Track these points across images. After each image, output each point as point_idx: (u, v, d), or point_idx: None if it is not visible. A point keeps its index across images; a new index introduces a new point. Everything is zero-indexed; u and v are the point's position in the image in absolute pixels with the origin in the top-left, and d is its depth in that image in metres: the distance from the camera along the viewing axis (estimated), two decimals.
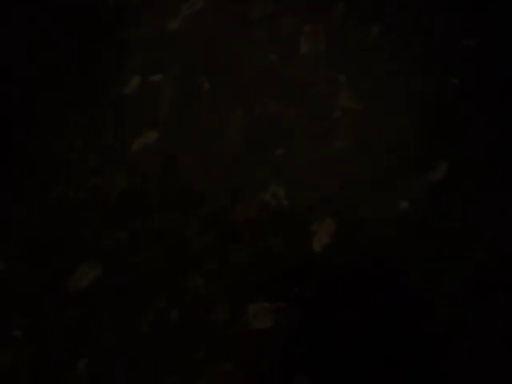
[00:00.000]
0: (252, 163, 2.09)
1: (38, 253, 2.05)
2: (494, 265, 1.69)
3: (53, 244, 2.05)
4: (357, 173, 1.99)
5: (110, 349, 1.80)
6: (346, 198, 1.95)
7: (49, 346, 1.84)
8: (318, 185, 1.99)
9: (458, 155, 1.94)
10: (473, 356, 1.56)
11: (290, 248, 1.87)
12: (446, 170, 1.92)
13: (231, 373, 1.68)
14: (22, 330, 1.89)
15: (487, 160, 1.91)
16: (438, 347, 1.60)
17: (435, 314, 1.65)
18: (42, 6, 2.61)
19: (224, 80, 2.32)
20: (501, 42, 2.16)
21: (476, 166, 1.91)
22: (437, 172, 1.93)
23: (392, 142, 2.03)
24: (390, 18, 2.30)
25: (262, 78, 2.29)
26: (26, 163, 2.28)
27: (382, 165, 1.99)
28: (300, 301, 1.76)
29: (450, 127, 2.01)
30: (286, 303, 1.77)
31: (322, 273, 1.80)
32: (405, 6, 2.31)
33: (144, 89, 2.35)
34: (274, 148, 2.10)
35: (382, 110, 2.11)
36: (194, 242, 1.95)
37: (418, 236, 1.81)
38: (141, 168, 2.17)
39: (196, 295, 1.84)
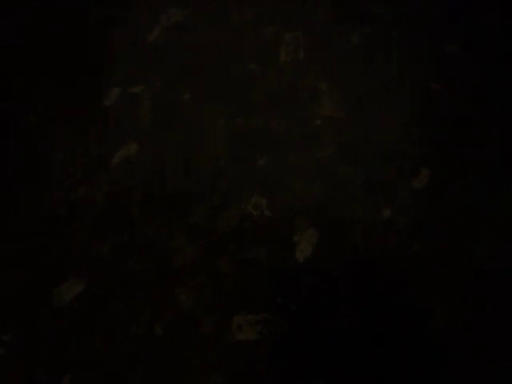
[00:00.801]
0: (235, 174, 2.08)
1: (20, 267, 2.03)
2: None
3: (36, 259, 2.03)
4: (339, 182, 1.98)
5: (93, 364, 1.78)
6: (329, 207, 1.94)
7: (32, 362, 1.82)
8: (301, 195, 1.99)
9: (440, 161, 1.94)
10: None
11: (273, 259, 1.86)
12: (428, 176, 1.92)
13: None
14: (4, 347, 1.87)
15: (470, 166, 1.91)
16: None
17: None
18: (28, 19, 2.59)
19: (205, 90, 2.31)
20: (483, 48, 2.16)
21: (459, 171, 1.90)
22: (420, 179, 1.92)
23: (374, 151, 2.03)
24: (371, 26, 2.30)
25: (242, 88, 2.28)
26: (7, 176, 2.26)
27: (364, 173, 1.98)
28: (284, 312, 1.76)
29: (432, 134, 2.01)
30: (270, 314, 1.76)
31: (306, 283, 1.79)
32: (385, 13, 2.31)
33: (124, 100, 2.34)
34: (257, 158, 2.09)
35: (364, 117, 2.10)
36: (177, 254, 1.94)
37: (402, 243, 1.80)
38: (123, 180, 2.15)
39: (180, 308, 1.83)
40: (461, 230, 1.78)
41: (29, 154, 2.28)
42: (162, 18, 2.48)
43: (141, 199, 2.09)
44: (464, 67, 2.13)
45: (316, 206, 1.95)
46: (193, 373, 1.71)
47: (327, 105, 2.17)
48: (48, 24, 2.54)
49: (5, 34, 2.54)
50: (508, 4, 2.22)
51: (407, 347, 1.62)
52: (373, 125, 2.07)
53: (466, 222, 1.80)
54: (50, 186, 2.18)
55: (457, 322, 1.61)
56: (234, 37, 2.40)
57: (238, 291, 1.82)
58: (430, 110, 2.06)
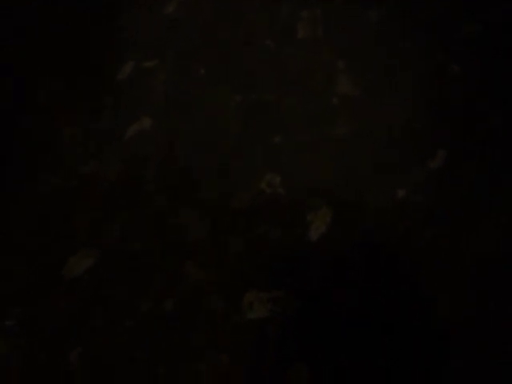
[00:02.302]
0: (248, 151, 2.06)
1: (31, 242, 2.02)
2: (495, 254, 1.68)
3: (46, 232, 2.03)
4: (354, 161, 1.97)
5: (103, 339, 1.78)
6: (343, 186, 1.92)
7: (42, 336, 1.81)
8: (315, 173, 1.97)
9: (457, 143, 1.92)
10: (475, 354, 1.55)
11: (286, 237, 1.85)
12: (444, 157, 1.90)
13: (228, 363, 1.66)
14: (14, 319, 1.87)
15: (487, 148, 1.89)
16: (439, 336, 1.59)
17: (436, 303, 1.63)
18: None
19: (220, 66, 2.29)
20: (503, 28, 2.13)
21: (476, 153, 1.88)
22: (436, 160, 1.90)
23: (391, 130, 2.01)
24: (391, 3, 2.27)
25: (259, 64, 2.26)
26: (19, 150, 2.26)
27: (380, 153, 1.96)
28: (296, 290, 1.74)
29: (450, 115, 1.99)
30: (281, 292, 1.75)
31: (319, 262, 1.78)
32: None
33: (138, 75, 2.32)
34: (271, 135, 2.08)
35: (381, 96, 2.08)
36: (189, 230, 1.93)
37: (416, 224, 1.79)
38: (136, 155, 2.14)
39: (191, 284, 1.82)
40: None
41: (41, 129, 2.28)
42: None
43: (153, 174, 2.08)
44: (484, 49, 2.10)
45: (330, 184, 1.93)
46: (202, 349, 1.70)
47: (344, 83, 2.14)
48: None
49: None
50: None
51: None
52: (389, 104, 2.05)
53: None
54: (62, 159, 2.18)
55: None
56: (251, 12, 2.38)
57: (250, 268, 1.81)
58: (448, 92, 2.03)
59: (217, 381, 1.63)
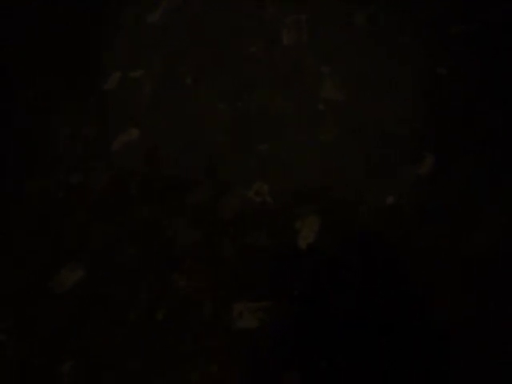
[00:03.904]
0: (236, 159, 2.06)
1: (20, 253, 2.02)
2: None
3: (35, 244, 2.02)
4: (342, 166, 1.96)
5: (94, 350, 1.77)
6: (332, 193, 1.92)
7: (32, 349, 1.81)
8: (303, 180, 1.96)
9: (445, 147, 1.91)
10: (475, 354, 1.55)
11: (275, 245, 1.85)
12: (433, 162, 1.89)
13: (218, 372, 1.66)
14: (5, 333, 1.87)
15: (485, 148, 1.88)
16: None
17: (435, 304, 1.63)
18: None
19: (207, 74, 2.29)
20: (491, 29, 2.12)
21: (473, 153, 1.87)
22: (424, 165, 1.90)
23: (377, 136, 2.00)
24: (376, 6, 2.26)
25: (244, 72, 2.25)
26: (7, 157, 2.25)
27: (367, 159, 1.96)
28: (286, 299, 1.74)
29: (437, 119, 1.98)
30: (271, 302, 1.74)
31: (308, 270, 1.78)
32: None
33: (124, 85, 2.31)
34: (259, 143, 2.07)
35: (367, 101, 2.08)
36: (177, 239, 1.93)
37: (405, 231, 1.78)
38: (123, 166, 2.13)
39: (180, 294, 1.82)
40: (462, 223, 1.76)
41: (27, 140, 2.27)
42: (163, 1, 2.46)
43: (140, 184, 2.08)
44: (471, 51, 2.09)
45: (319, 191, 1.93)
46: (192, 359, 1.69)
47: (330, 88, 2.14)
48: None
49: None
50: None
51: (413, 340, 1.60)
52: (376, 109, 2.05)
53: (467, 213, 1.77)
54: (48, 170, 2.17)
55: (459, 318, 1.59)
56: (236, 19, 2.37)
57: (239, 278, 1.81)
58: (435, 95, 2.02)
59: None
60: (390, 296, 1.67)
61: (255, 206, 1.95)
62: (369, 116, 2.04)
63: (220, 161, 2.07)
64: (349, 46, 2.21)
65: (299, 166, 2.00)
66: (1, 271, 1.99)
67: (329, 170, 1.97)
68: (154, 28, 2.44)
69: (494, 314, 1.58)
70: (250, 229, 1.90)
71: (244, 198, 1.97)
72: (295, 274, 1.78)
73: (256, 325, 1.72)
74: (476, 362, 1.53)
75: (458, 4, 2.19)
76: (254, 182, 2.00)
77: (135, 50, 2.41)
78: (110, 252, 1.95)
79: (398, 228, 1.79)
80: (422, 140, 1.94)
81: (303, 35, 2.27)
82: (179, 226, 1.95)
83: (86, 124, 2.27)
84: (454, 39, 2.13)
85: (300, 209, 1.91)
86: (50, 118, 2.30)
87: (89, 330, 1.81)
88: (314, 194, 1.93)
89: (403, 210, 1.81)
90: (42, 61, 2.40)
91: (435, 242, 1.73)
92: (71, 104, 2.33)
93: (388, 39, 2.18)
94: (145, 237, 1.95)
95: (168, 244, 1.92)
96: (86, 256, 1.95)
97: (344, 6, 2.29)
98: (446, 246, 1.72)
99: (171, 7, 2.44)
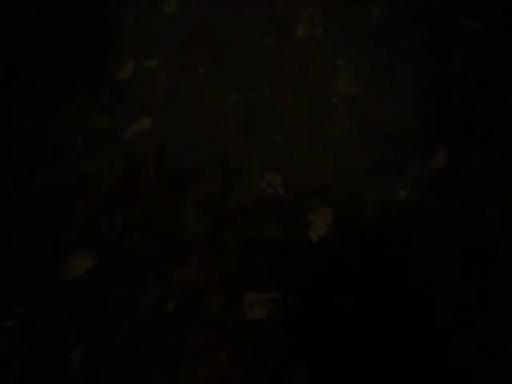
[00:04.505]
0: (248, 150, 2.05)
1: (30, 241, 2.02)
2: (495, 254, 1.66)
3: (45, 232, 2.03)
4: (355, 160, 1.95)
5: (104, 338, 1.77)
6: (344, 186, 1.91)
7: (43, 336, 1.81)
8: (316, 173, 1.96)
9: (457, 141, 1.90)
10: (475, 354, 1.54)
11: (287, 237, 1.84)
12: (445, 156, 1.88)
13: (227, 363, 1.66)
14: (15, 319, 1.87)
15: (487, 146, 1.87)
16: (439, 336, 1.58)
17: (436, 301, 1.62)
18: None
19: (220, 65, 2.28)
20: (504, 25, 2.11)
21: (476, 152, 1.86)
22: (437, 159, 1.88)
23: (391, 129, 1.99)
24: (390, 0, 2.25)
25: (258, 63, 2.24)
26: (18, 147, 2.25)
27: (380, 152, 1.95)
28: (296, 291, 1.73)
29: (450, 113, 1.96)
30: (281, 293, 1.74)
31: (319, 263, 1.77)
32: None
33: (138, 74, 2.31)
34: (271, 134, 2.06)
35: (381, 95, 2.06)
36: (188, 229, 1.92)
37: (417, 224, 1.77)
38: (135, 155, 2.13)
39: (190, 284, 1.81)
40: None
41: (41, 128, 2.27)
42: None
43: (152, 173, 2.07)
44: (484, 45, 2.07)
45: (331, 184, 1.92)
46: (202, 350, 1.69)
47: (344, 81, 2.13)
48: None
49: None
50: None
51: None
52: (389, 103, 2.03)
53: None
54: (60, 159, 2.17)
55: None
56: (250, 10, 2.36)
57: (249, 269, 1.80)
58: (448, 89, 2.01)
59: (216, 381, 1.63)
60: (393, 294, 1.67)
61: (267, 198, 1.94)
62: (382, 111, 2.03)
63: (232, 152, 2.07)
64: (363, 40, 2.20)
65: (312, 158, 1.99)
66: (12, 261, 2.00)
67: (341, 162, 1.96)
68: (168, 18, 2.43)
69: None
70: (261, 220, 1.89)
71: (256, 189, 1.97)
72: (305, 266, 1.77)
73: (265, 316, 1.71)
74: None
75: (459, 3, 2.18)
76: (265, 173, 1.99)
77: (149, 40, 2.40)
78: (120, 241, 1.94)
79: (404, 224, 1.78)
80: (436, 137, 1.93)
81: (317, 28, 2.26)
82: (190, 216, 1.94)
83: (100, 113, 2.27)
84: (465, 35, 2.11)
85: (313, 200, 1.90)
86: (50, 115, 2.30)
87: (98, 319, 1.81)
88: (326, 186, 1.92)
89: (412, 206, 1.81)
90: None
91: (437, 241, 1.72)
92: (79, 96, 2.33)
93: (402, 32, 2.17)
94: (155, 227, 1.95)
95: (179, 234, 1.92)
96: (96, 244, 1.95)
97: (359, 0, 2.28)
98: (446, 246, 1.71)
99: None
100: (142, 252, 1.91)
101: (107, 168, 2.12)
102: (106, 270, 1.90)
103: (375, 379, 1.55)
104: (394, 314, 1.63)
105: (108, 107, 2.28)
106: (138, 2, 2.54)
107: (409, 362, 1.56)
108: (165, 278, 1.84)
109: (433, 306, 1.62)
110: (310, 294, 1.72)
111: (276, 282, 1.76)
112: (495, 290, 1.61)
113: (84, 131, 2.22)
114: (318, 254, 1.79)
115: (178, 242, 1.90)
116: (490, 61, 2.04)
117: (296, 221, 1.87)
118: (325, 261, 1.77)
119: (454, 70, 2.06)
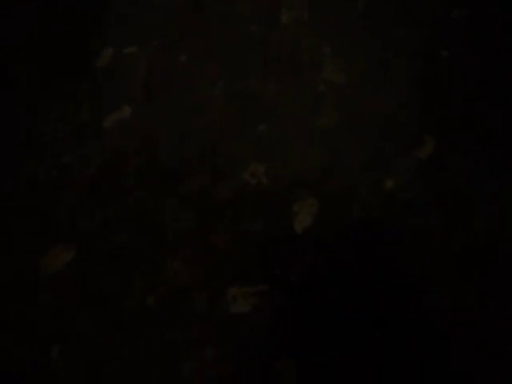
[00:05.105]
0: (232, 139, 2.02)
1: (7, 234, 1.97)
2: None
3: (23, 225, 1.98)
4: (341, 150, 1.92)
5: (83, 335, 1.73)
6: (330, 176, 1.88)
7: (21, 333, 1.77)
8: (301, 163, 1.93)
9: (446, 132, 1.89)
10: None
11: (271, 229, 1.81)
12: (433, 147, 1.86)
13: (213, 359, 1.62)
14: None
15: (475, 135, 1.85)
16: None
17: (426, 295, 1.60)
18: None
19: (202, 52, 2.25)
20: (491, 12, 2.10)
21: (464, 141, 1.85)
22: (424, 149, 1.87)
23: (378, 119, 1.96)
24: None
25: (242, 51, 2.21)
26: None
27: (367, 142, 1.92)
28: (280, 284, 1.70)
29: (438, 102, 1.95)
30: (265, 286, 1.71)
31: (304, 254, 1.74)
32: None
33: (117, 61, 2.27)
34: (256, 124, 2.03)
35: (368, 83, 2.04)
36: (171, 223, 1.88)
37: (405, 215, 1.75)
38: (116, 145, 2.09)
39: (174, 279, 1.78)
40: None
41: (21, 120, 2.22)
42: None
43: (133, 165, 2.03)
44: (473, 34, 2.06)
45: (317, 174, 1.89)
46: (186, 346, 1.65)
47: (330, 70, 2.10)
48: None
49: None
50: None
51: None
52: (377, 92, 2.01)
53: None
54: (41, 150, 2.12)
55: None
56: None
57: (233, 262, 1.77)
58: (436, 78, 1.99)
59: (202, 377, 1.59)
60: (382, 288, 1.64)
61: (250, 188, 1.91)
62: (369, 99, 2.01)
63: (217, 143, 2.03)
64: (351, 28, 2.18)
65: (297, 148, 1.97)
66: None
67: (327, 152, 1.93)
68: (150, 4, 2.40)
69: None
70: (244, 212, 1.86)
71: (239, 180, 1.93)
72: (290, 258, 1.74)
73: (250, 310, 1.68)
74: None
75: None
76: (249, 163, 1.96)
77: (129, 27, 2.37)
78: (102, 237, 1.90)
79: (392, 216, 1.75)
80: (424, 127, 1.91)
81: (304, 15, 2.23)
82: (173, 209, 1.91)
83: (78, 101, 2.22)
84: (456, 22, 2.10)
85: (297, 191, 1.87)
86: (40, 96, 2.26)
87: (78, 314, 1.76)
88: (311, 177, 1.89)
89: (400, 198, 1.78)
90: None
91: (428, 233, 1.70)
92: (63, 81, 2.29)
93: (390, 21, 2.15)
94: (138, 222, 1.91)
95: (161, 227, 1.88)
96: (76, 240, 1.90)
97: None
98: (438, 242, 1.69)
99: None
100: (122, 247, 1.87)
101: (87, 160, 2.07)
102: (86, 264, 1.85)
103: (367, 378, 1.53)
104: (387, 310, 1.61)
105: (87, 95, 2.23)
106: None
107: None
108: (147, 273, 1.80)
109: (427, 301, 1.60)
110: (295, 287, 1.69)
111: (260, 275, 1.73)
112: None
113: (64, 121, 2.18)
114: (302, 246, 1.76)
115: (160, 236, 1.86)
116: (479, 49, 2.03)
117: (280, 212, 1.84)
118: (310, 252, 1.74)
119: (443, 58, 2.04)
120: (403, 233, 1.73)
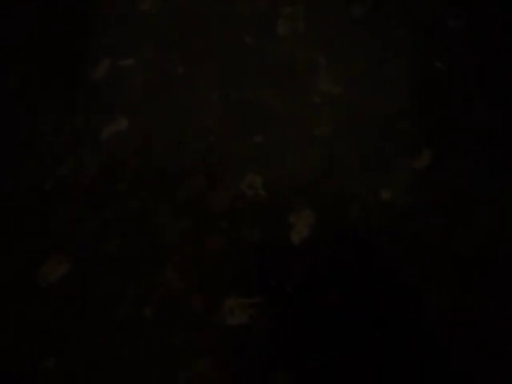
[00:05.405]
0: (228, 150, 2.02)
1: (7, 235, 1.96)
2: (485, 243, 1.65)
3: (19, 235, 1.97)
4: (338, 161, 1.92)
5: (79, 347, 1.72)
6: (326, 187, 1.88)
7: (16, 344, 1.76)
8: (297, 174, 1.93)
9: (442, 141, 1.89)
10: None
11: (268, 240, 1.80)
12: (430, 156, 1.87)
13: (209, 370, 1.62)
14: None
15: (472, 145, 1.85)
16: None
17: (423, 305, 1.61)
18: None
19: (199, 63, 2.25)
20: (488, 23, 2.11)
21: (464, 141, 1.85)
22: (421, 159, 1.87)
23: (373, 129, 1.96)
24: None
25: (238, 61, 2.22)
26: None
27: (363, 152, 1.92)
28: (277, 295, 1.70)
29: (434, 112, 1.95)
30: (262, 298, 1.70)
31: (301, 266, 1.74)
32: None
33: (114, 73, 2.27)
34: (252, 134, 2.03)
35: (364, 93, 2.05)
36: (167, 232, 1.88)
37: (402, 226, 1.75)
38: (112, 156, 2.08)
39: (169, 290, 1.77)
40: (462, 222, 1.73)
41: (12, 129, 2.22)
42: None
43: (129, 175, 2.03)
44: (468, 44, 2.07)
45: (313, 185, 1.89)
46: (182, 357, 1.65)
47: (326, 80, 2.10)
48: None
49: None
50: None
51: (412, 340, 1.57)
52: (372, 101, 2.02)
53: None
54: (37, 160, 2.12)
55: (458, 319, 1.57)
56: (230, 8, 2.34)
57: (230, 273, 1.77)
58: (432, 89, 2.00)
59: None
60: (382, 298, 1.65)
61: (247, 199, 1.90)
62: (365, 109, 2.01)
63: (211, 152, 2.03)
64: (346, 38, 2.18)
65: (293, 159, 1.97)
66: None
67: (324, 163, 1.93)
68: (145, 16, 2.40)
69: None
70: (241, 222, 1.86)
71: (236, 190, 1.93)
72: (287, 269, 1.74)
73: (247, 321, 1.68)
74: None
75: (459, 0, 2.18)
76: (246, 175, 1.96)
77: (125, 39, 2.37)
78: (98, 245, 1.89)
79: (391, 225, 1.75)
80: (421, 137, 1.91)
81: (299, 26, 2.24)
82: (169, 219, 1.90)
83: (75, 113, 2.22)
84: (452, 32, 2.10)
85: (294, 202, 1.87)
86: (36, 108, 2.26)
87: (73, 326, 1.76)
88: (308, 187, 1.89)
89: (398, 205, 1.78)
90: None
91: (427, 242, 1.71)
92: (57, 91, 2.29)
93: (385, 31, 2.16)
94: (133, 230, 1.90)
95: (157, 237, 1.87)
96: (72, 248, 1.90)
97: None
98: (439, 243, 1.69)
99: None
100: (118, 256, 1.86)
101: (83, 170, 2.07)
102: (81, 275, 1.85)
103: (367, 378, 1.53)
104: (387, 318, 1.61)
105: (83, 107, 2.23)
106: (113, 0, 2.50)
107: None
108: (142, 283, 1.79)
109: (427, 301, 1.61)
110: (292, 298, 1.69)
111: (257, 286, 1.73)
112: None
113: (60, 132, 2.17)
114: (300, 257, 1.76)
115: (155, 247, 1.86)
116: (475, 59, 2.03)
117: (277, 223, 1.84)
118: (307, 264, 1.74)
119: (439, 69, 2.05)
120: (403, 233, 1.73)
